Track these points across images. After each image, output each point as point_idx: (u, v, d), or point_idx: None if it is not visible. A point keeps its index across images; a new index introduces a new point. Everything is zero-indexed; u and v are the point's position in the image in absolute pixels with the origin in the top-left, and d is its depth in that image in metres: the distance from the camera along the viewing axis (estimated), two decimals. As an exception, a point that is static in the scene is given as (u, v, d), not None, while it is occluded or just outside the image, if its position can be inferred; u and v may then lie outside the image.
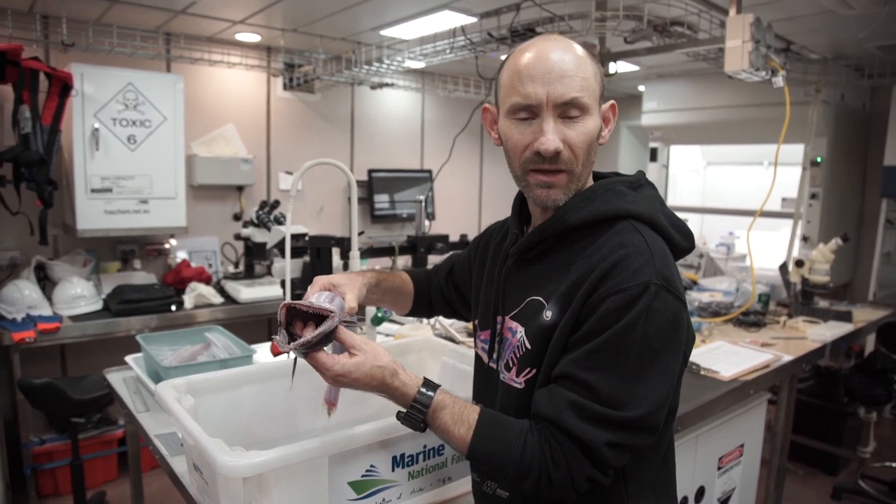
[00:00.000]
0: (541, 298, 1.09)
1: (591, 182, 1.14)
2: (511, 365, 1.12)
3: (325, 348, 1.07)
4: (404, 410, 1.07)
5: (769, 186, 2.67)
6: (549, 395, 1.01)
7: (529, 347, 1.08)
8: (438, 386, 1.08)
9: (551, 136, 1.02)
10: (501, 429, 1.03)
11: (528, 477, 0.99)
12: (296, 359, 1.08)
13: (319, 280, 1.22)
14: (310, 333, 1.03)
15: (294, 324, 1.08)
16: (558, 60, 1.03)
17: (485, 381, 1.21)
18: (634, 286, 0.97)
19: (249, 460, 1.07)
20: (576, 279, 1.03)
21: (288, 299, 1.11)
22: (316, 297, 1.14)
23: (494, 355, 1.18)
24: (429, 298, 1.53)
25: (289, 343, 1.04)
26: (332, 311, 1.07)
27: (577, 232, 1.09)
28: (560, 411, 0.98)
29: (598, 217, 1.07)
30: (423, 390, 1.06)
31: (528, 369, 1.09)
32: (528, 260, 1.15)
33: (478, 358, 1.24)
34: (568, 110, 1.03)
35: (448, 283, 1.49)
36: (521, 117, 1.06)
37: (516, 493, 1.14)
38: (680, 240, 1.11)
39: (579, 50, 1.07)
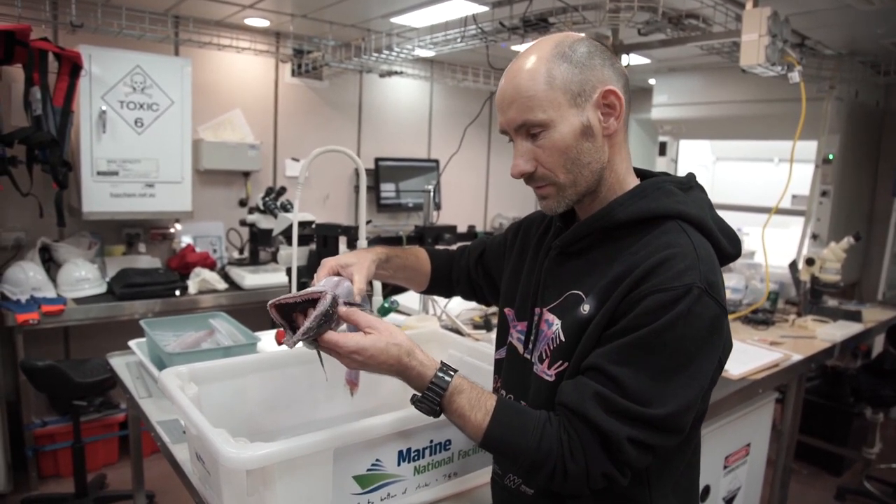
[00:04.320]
0: (580, 293, 1.07)
1: (617, 180, 1.09)
2: (544, 357, 1.10)
3: (336, 329, 1.05)
4: (419, 394, 1.05)
5: (780, 183, 2.63)
6: (575, 385, 0.99)
7: (564, 340, 1.06)
8: (456, 370, 1.06)
9: (515, 160, 1.07)
10: (520, 416, 1.01)
11: (543, 467, 0.97)
12: (318, 350, 1.07)
13: (328, 262, 1.21)
14: (308, 320, 1.01)
15: (296, 318, 1.06)
16: (508, 86, 1.05)
17: (518, 373, 1.18)
18: (678, 287, 0.95)
19: (254, 452, 1.05)
20: (618, 274, 1.01)
21: (290, 293, 1.09)
22: (324, 282, 1.13)
23: (530, 346, 1.16)
24: (450, 279, 1.50)
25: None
26: (320, 292, 1.04)
27: (623, 228, 1.06)
28: (584, 401, 0.96)
29: (647, 214, 1.05)
30: (441, 373, 1.04)
31: (560, 362, 1.07)
32: (571, 254, 1.13)
33: (512, 348, 1.22)
34: (530, 129, 1.04)
35: (477, 266, 1.46)
36: (509, 140, 1.10)
37: (543, 489, 1.11)
38: (727, 245, 1.08)
39: (532, 62, 1.02)
